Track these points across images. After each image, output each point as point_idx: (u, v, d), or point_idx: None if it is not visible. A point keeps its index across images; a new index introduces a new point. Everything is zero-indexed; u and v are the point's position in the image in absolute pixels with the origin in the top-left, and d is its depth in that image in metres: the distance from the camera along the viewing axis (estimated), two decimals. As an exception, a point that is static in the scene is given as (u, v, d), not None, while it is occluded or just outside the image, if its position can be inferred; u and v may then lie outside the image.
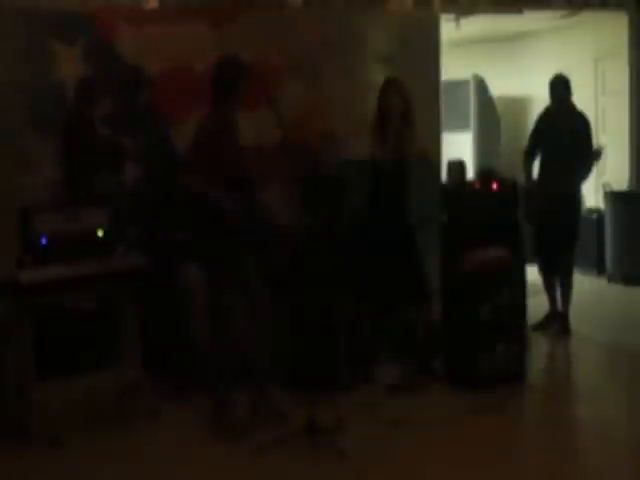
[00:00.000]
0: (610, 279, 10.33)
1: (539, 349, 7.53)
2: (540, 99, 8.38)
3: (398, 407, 6.08)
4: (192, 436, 5.65)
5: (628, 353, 7.45)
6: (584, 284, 9.70)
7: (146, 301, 6.12)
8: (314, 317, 6.29)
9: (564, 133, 7.92)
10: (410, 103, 6.34)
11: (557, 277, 8.12)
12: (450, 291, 6.69)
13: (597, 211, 10.86)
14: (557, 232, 7.91)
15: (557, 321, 8.09)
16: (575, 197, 8.14)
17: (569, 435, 5.77)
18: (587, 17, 11.17)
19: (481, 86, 12.68)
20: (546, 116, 8.23)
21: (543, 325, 8.08)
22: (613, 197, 10.41)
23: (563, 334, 7.95)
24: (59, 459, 5.35)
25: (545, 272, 8.14)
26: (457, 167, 7.95)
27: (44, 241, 5.63)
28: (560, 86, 8.04)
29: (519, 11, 10.34)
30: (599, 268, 10.52)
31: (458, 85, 12.30)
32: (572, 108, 8.09)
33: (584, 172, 8.08)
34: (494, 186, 6.98)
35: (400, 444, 5.44)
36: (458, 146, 11.77)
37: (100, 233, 5.86)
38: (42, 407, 5.60)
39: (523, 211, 7.60)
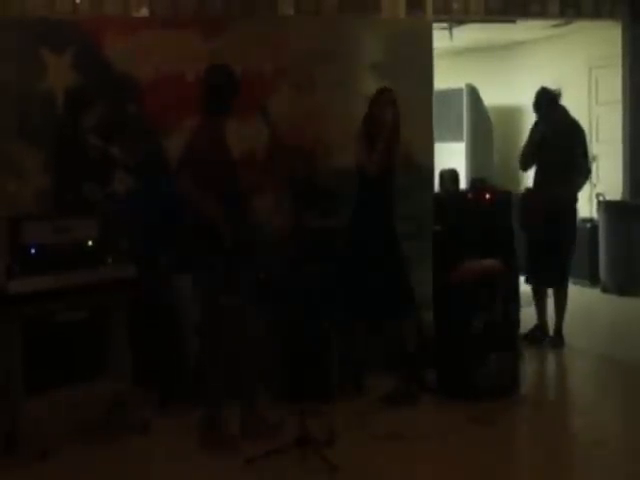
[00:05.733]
0: (604, 289, 10.30)
1: (532, 361, 7.48)
2: (533, 108, 8.33)
3: (389, 420, 6.02)
4: (181, 450, 5.57)
5: (622, 365, 7.40)
6: (578, 295, 9.68)
7: (136, 313, 6.07)
8: (306, 329, 6.23)
9: (555, 146, 7.87)
10: (399, 114, 6.30)
11: (547, 288, 8.06)
12: (442, 302, 6.64)
13: (591, 221, 10.85)
14: (553, 243, 7.83)
15: (541, 332, 8.05)
16: (571, 208, 8.07)
17: (561, 449, 5.71)
18: (580, 26, 11.18)
19: (474, 95, 12.66)
20: (536, 131, 8.18)
21: (529, 337, 7.98)
22: (607, 207, 10.40)
23: (557, 346, 7.89)
24: (45, 473, 5.27)
25: (535, 283, 8.07)
26: (450, 176, 7.93)
27: (33, 251, 5.56)
28: (544, 101, 8.00)
29: (512, 20, 10.35)
30: (593, 278, 10.50)
31: (451, 94, 12.29)
32: (562, 119, 8.03)
33: (579, 181, 8.03)
34: (487, 196, 6.95)
35: (391, 457, 5.38)
36: (451, 156, 11.76)
37: (90, 243, 5.80)
38: (30, 420, 5.53)
39: (518, 220, 7.57)
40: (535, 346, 7.88)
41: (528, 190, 8.07)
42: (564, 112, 8.11)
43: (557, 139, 7.88)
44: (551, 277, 7.96)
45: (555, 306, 8.02)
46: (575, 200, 8.15)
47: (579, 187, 8.11)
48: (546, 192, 7.84)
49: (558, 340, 7.95)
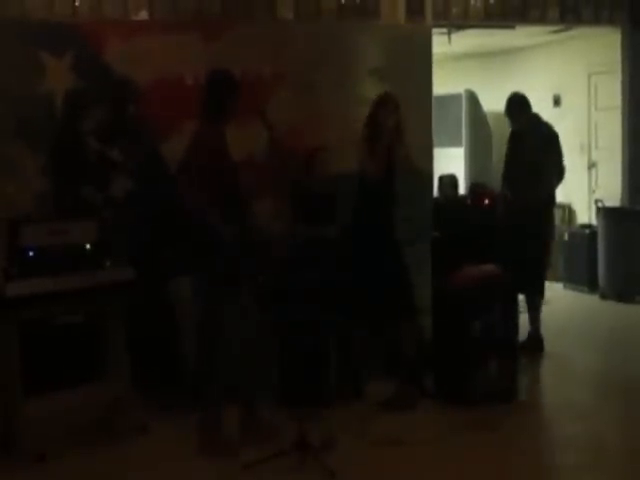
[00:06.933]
0: (602, 296, 10.27)
1: (530, 367, 7.48)
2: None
3: (389, 424, 6.02)
4: (180, 453, 5.57)
5: (621, 370, 7.38)
6: (576, 301, 9.68)
7: (134, 316, 6.05)
8: (304, 333, 6.22)
9: (528, 149, 7.87)
10: (402, 119, 6.30)
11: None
12: (441, 307, 6.63)
13: (589, 227, 10.84)
14: (525, 248, 7.76)
15: (536, 340, 8.00)
16: (546, 209, 8.05)
17: (560, 454, 5.71)
18: (580, 33, 11.18)
19: (473, 101, 12.66)
20: (512, 139, 8.19)
21: (526, 345, 7.87)
22: (606, 213, 10.38)
23: (535, 350, 7.86)
24: (43, 475, 5.27)
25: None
26: (449, 182, 7.92)
27: (31, 254, 5.55)
28: (516, 106, 8.01)
29: (511, 26, 10.35)
30: (591, 285, 10.47)
31: (450, 100, 12.28)
32: (534, 124, 8.04)
33: (554, 182, 8.02)
34: (486, 202, 6.94)
35: (390, 462, 5.38)
36: (450, 161, 11.76)
37: (88, 246, 5.78)
38: (28, 422, 5.51)
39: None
40: (532, 353, 7.83)
41: (504, 195, 8.02)
42: (535, 116, 8.13)
43: (530, 142, 7.88)
44: (534, 285, 7.91)
45: (529, 311, 7.98)
46: (552, 202, 8.14)
47: (554, 188, 8.06)
48: (520, 195, 7.81)
49: (537, 343, 7.92)
